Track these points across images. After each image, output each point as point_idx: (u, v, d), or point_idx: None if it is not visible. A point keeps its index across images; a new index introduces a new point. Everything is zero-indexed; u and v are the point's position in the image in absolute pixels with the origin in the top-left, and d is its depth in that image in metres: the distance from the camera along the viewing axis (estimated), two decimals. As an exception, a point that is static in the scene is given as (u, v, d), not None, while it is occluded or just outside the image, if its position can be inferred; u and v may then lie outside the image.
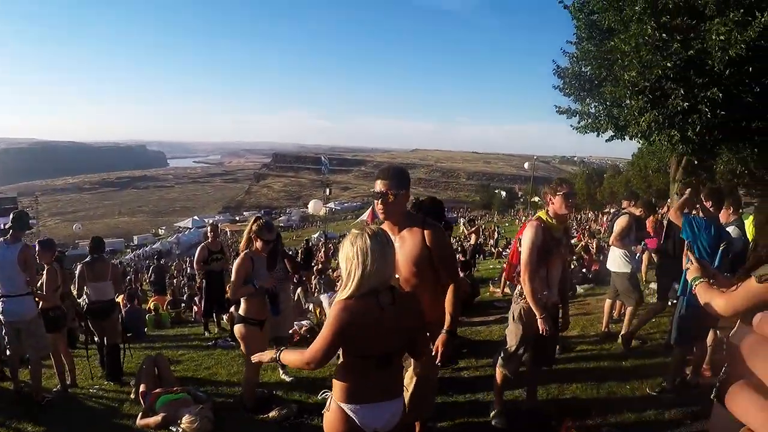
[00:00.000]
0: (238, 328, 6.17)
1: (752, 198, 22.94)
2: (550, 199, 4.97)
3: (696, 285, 3.31)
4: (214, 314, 12.38)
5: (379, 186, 3.96)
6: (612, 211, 43.32)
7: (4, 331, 7.18)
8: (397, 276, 3.87)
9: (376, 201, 4.00)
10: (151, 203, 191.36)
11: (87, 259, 8.66)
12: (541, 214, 5.07)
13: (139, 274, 31.02)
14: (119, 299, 15.42)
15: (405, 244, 4.08)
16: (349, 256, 2.97)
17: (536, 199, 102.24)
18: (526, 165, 76.56)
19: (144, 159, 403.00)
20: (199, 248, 11.88)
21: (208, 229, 12.19)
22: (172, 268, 35.70)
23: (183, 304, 16.21)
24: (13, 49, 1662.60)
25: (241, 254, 6.21)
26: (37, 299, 7.50)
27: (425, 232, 4.06)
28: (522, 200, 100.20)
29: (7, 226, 7.33)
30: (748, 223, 6.16)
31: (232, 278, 6.29)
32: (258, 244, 6.27)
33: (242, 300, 6.17)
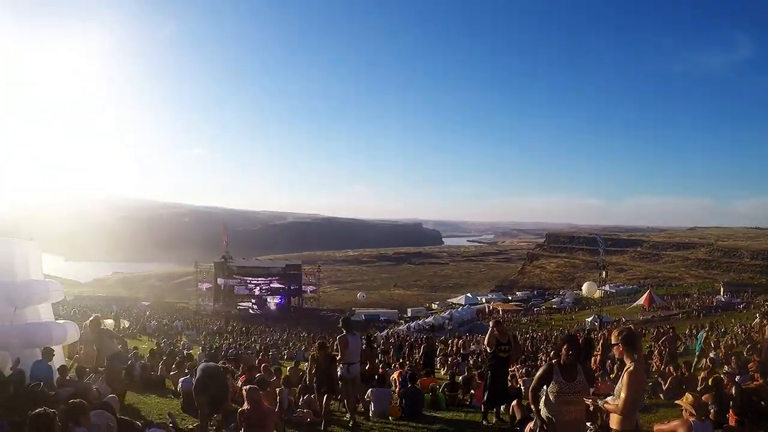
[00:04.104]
0: None
1: None
2: None
3: None
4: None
5: None
6: None
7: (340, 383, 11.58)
8: None
9: None
10: (425, 278, 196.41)
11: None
12: None
13: (414, 350, 30.98)
14: (395, 375, 15.45)
15: None
16: None
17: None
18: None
19: (420, 237, 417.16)
20: (488, 334, 11.39)
21: (494, 326, 11.52)
22: (449, 345, 35.44)
23: (461, 389, 15.67)
24: (300, 135, 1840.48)
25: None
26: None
27: None
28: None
29: (339, 326, 11.71)
30: None
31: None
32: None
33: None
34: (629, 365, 5.70)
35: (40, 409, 6.16)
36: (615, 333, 6.05)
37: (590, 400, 6.45)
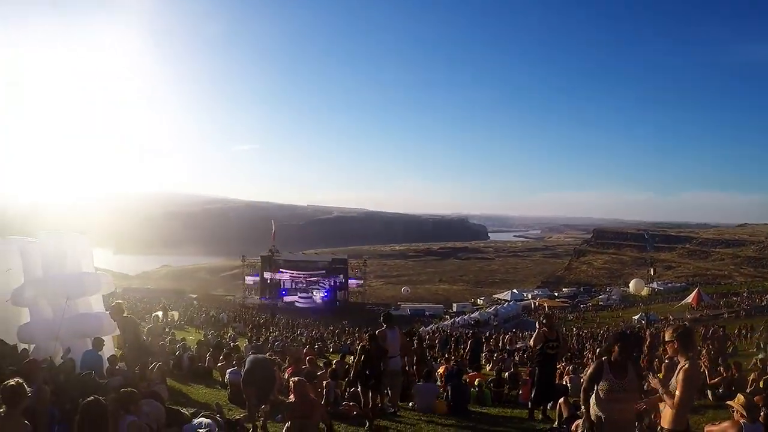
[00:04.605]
0: None
1: None
2: None
3: None
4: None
5: None
6: None
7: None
8: None
9: None
10: (471, 273, 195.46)
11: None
12: None
13: (460, 345, 30.80)
14: (441, 370, 15.44)
15: None
16: None
17: None
18: None
19: (466, 231, 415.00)
20: (536, 333, 11.39)
21: (544, 319, 11.56)
22: (491, 341, 35.27)
23: (507, 385, 15.58)
24: (346, 130, 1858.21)
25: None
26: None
27: None
28: None
29: (380, 321, 12.22)
30: None
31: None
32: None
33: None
34: (684, 363, 5.58)
35: (91, 398, 6.26)
36: (670, 330, 5.92)
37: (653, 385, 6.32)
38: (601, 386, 6.05)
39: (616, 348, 6.15)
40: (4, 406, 5.73)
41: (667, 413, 5.63)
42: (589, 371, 6.48)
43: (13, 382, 5.85)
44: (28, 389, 6.08)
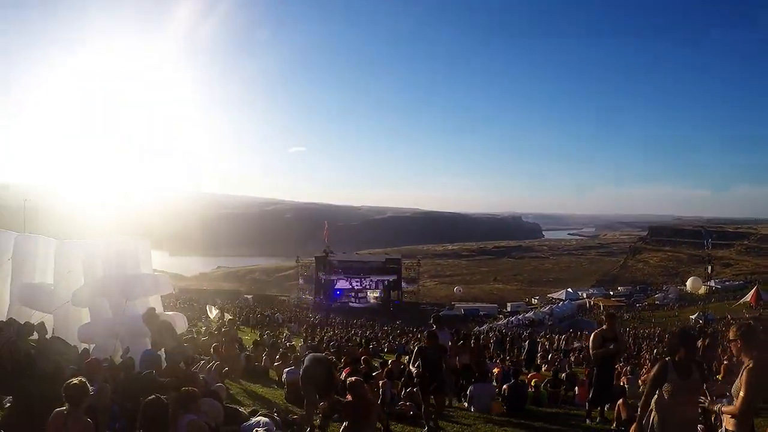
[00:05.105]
0: None
1: None
2: None
3: None
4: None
5: None
6: None
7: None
8: None
9: None
10: (525, 272, 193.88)
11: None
12: None
13: (515, 346, 30.57)
14: (495, 370, 15.39)
15: None
16: None
17: None
18: None
19: (519, 230, 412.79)
20: (593, 335, 11.26)
21: (604, 316, 11.57)
22: (544, 340, 34.98)
23: (564, 386, 15.44)
24: (399, 130, 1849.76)
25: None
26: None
27: None
28: None
29: (431, 323, 12.67)
30: None
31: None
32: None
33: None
34: (748, 363, 5.42)
35: (153, 396, 6.40)
36: (734, 329, 5.77)
37: (707, 402, 6.18)
38: (666, 387, 5.91)
39: (682, 349, 6.01)
40: (67, 404, 5.90)
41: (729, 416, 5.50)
42: (652, 373, 6.33)
43: (76, 381, 6.04)
44: (90, 388, 6.25)
